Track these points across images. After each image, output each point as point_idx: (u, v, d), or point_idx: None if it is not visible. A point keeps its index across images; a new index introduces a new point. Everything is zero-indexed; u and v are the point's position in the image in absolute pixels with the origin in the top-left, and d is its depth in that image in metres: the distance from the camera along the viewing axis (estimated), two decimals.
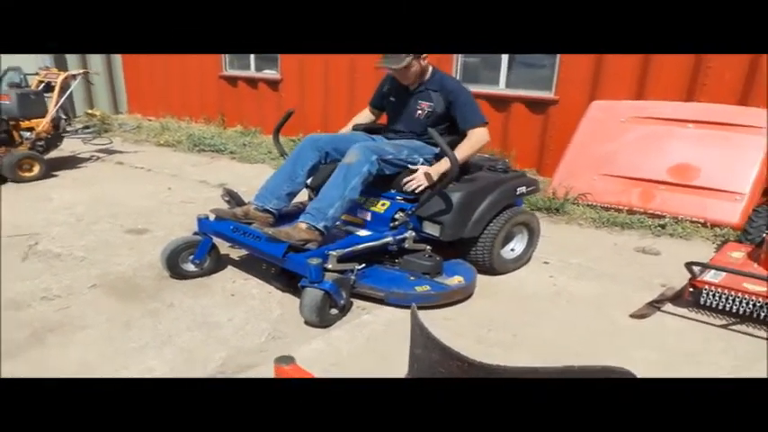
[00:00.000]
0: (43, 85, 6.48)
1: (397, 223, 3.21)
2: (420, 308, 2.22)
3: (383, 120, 3.81)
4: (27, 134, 6.04)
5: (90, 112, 9.33)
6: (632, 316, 3.12)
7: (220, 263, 3.52)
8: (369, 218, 3.35)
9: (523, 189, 3.57)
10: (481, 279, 3.48)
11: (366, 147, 3.11)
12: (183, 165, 6.83)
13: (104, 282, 3.34)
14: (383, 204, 3.32)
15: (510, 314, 3.13)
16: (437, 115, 3.37)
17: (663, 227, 4.62)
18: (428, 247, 3.27)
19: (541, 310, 3.20)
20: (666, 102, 5.21)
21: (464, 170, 3.37)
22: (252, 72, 8.67)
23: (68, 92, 6.62)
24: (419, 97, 3.45)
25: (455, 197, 3.19)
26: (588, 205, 5.09)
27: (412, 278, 3.11)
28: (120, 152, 7.46)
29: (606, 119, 5.37)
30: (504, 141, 6.38)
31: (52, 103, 6.29)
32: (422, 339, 1.42)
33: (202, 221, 3.33)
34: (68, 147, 7.35)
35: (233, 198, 3.41)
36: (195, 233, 3.39)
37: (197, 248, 3.33)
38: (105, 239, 4.09)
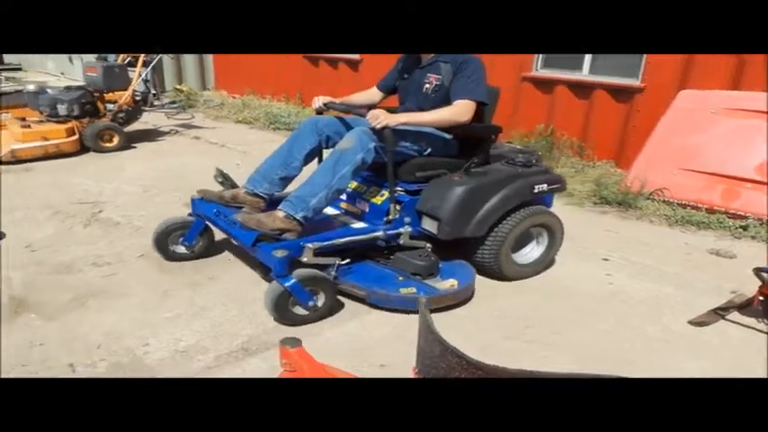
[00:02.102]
0: (128, 59, 6.74)
1: (390, 217, 2.97)
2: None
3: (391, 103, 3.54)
4: (110, 106, 6.36)
5: (178, 87, 9.83)
6: (691, 323, 2.89)
7: (214, 246, 3.44)
8: (366, 209, 3.14)
9: (543, 187, 3.19)
10: None
11: (364, 132, 2.86)
12: (257, 142, 6.96)
13: (153, 252, 3.36)
14: (382, 195, 3.08)
15: (556, 311, 3.01)
16: (446, 89, 3.05)
17: (744, 228, 4.23)
18: (428, 245, 3.03)
19: (591, 310, 3.04)
20: (764, 93, 4.66)
21: (470, 159, 3.13)
22: None
23: (150, 66, 6.92)
24: (428, 70, 3.14)
25: (457, 191, 2.91)
26: (664, 201, 4.74)
27: (400, 278, 2.89)
28: (199, 127, 7.70)
29: (695, 109, 4.89)
30: (585, 130, 6.03)
31: (135, 77, 6.61)
32: (425, 332, 1.41)
33: (195, 202, 3.21)
34: (152, 120, 7.73)
35: (226, 180, 3.28)
36: (189, 214, 3.30)
37: (188, 230, 3.24)
38: (164, 211, 4.15)
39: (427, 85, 3.13)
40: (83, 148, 5.95)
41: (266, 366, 2.41)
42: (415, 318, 2.54)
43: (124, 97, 6.43)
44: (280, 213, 2.75)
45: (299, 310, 2.67)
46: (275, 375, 1.71)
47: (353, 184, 3.23)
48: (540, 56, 6.30)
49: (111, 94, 6.41)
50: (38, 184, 4.91)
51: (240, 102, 8.96)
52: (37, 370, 2.32)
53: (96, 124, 6.06)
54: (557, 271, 3.50)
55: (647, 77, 5.57)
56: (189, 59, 10.41)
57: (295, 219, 2.74)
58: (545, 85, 6.29)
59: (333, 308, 2.79)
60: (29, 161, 5.55)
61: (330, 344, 2.60)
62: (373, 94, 3.52)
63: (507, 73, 6.31)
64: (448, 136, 3.14)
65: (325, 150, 3.16)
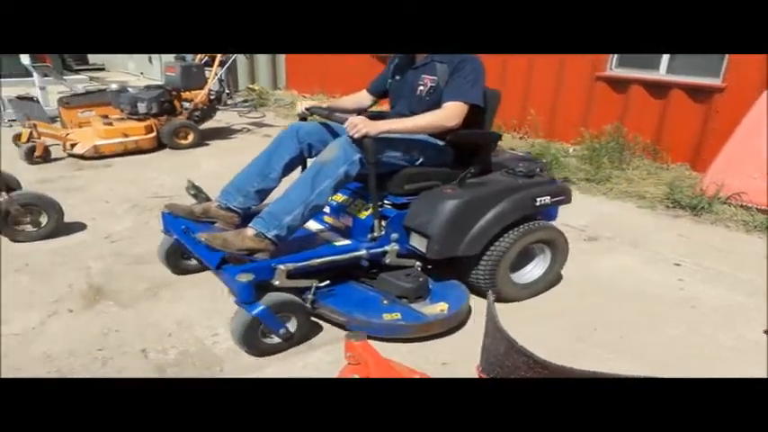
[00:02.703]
0: (205, 59, 7.06)
1: (374, 234, 2.71)
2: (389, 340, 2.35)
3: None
4: (186, 104, 6.68)
5: (251, 86, 10.18)
6: (767, 332, 2.78)
7: None
8: (351, 224, 2.86)
9: (546, 199, 2.90)
10: (599, 274, 3.42)
11: (349, 143, 2.58)
12: None
13: None
14: (368, 209, 2.80)
15: (623, 314, 2.96)
16: (441, 91, 2.77)
17: None
18: (417, 263, 2.78)
19: (660, 314, 2.97)
20: None
21: (467, 168, 2.85)
22: None
23: (226, 66, 7.30)
24: (422, 71, 2.86)
25: (448, 206, 2.64)
26: (742, 206, 4.46)
27: (385, 302, 2.63)
28: (270, 126, 7.92)
29: None
30: (659, 132, 5.75)
31: (211, 76, 6.92)
32: (492, 330, 1.43)
33: (165, 217, 2.93)
34: (225, 118, 8.03)
35: (199, 192, 3.03)
36: (163, 231, 3.06)
37: None
38: None
39: (421, 87, 2.87)
40: (159, 145, 6.26)
41: (329, 359, 2.44)
42: (477, 315, 2.71)
43: (200, 96, 6.72)
44: (249, 231, 2.50)
45: (272, 339, 2.46)
46: (339, 368, 1.81)
47: (339, 197, 2.97)
48: (615, 55, 6.07)
49: (187, 92, 6.70)
50: (117, 179, 5.18)
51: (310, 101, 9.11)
52: (112, 355, 2.45)
53: (173, 122, 6.35)
54: (625, 274, 3.43)
55: (729, 77, 5.26)
56: (262, 59, 10.62)
57: (267, 238, 2.49)
58: (619, 85, 6.05)
59: (308, 334, 2.58)
60: (109, 157, 5.90)
61: (391, 340, 2.56)
62: (363, 97, 3.28)
63: (580, 72, 6.17)
64: (441, 143, 2.88)
65: (309, 160, 2.91)
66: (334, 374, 1.94)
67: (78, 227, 3.93)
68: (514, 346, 1.28)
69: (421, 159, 2.86)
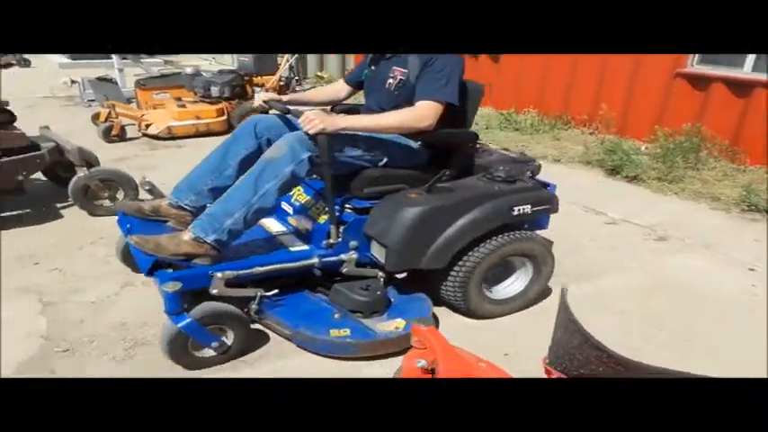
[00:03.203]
0: None
1: (330, 241, 2.50)
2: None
3: None
4: (257, 89, 6.85)
5: (319, 74, 10.43)
6: None
7: None
8: (310, 228, 2.65)
9: (526, 208, 2.62)
10: (667, 274, 3.32)
11: (298, 139, 2.37)
12: None
13: None
14: (328, 212, 2.57)
15: (692, 318, 2.86)
16: (412, 87, 2.54)
17: None
18: (381, 274, 2.56)
19: (729, 319, 2.86)
20: None
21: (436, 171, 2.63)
22: None
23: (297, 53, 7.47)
24: (395, 62, 2.62)
25: (408, 213, 2.40)
26: None
27: (336, 315, 2.43)
28: None
29: None
30: (738, 132, 5.41)
31: (282, 63, 7.20)
32: (564, 322, 1.43)
33: (118, 215, 2.75)
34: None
35: (154, 189, 2.86)
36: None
37: None
38: None
39: (390, 80, 2.63)
40: (230, 128, 6.24)
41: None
42: (541, 307, 2.76)
43: (271, 81, 6.98)
44: (186, 235, 2.30)
45: (206, 352, 2.27)
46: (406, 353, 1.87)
47: (303, 197, 2.76)
48: None
49: (259, 77, 6.99)
50: (188, 160, 5.20)
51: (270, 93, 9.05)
52: None
53: (244, 106, 6.42)
54: (695, 275, 3.31)
55: None
56: None
57: (206, 242, 2.29)
58: (699, 82, 5.69)
59: (246, 347, 2.38)
60: (182, 138, 6.09)
61: (452, 329, 2.53)
62: (339, 88, 3.06)
63: (659, 67, 5.87)
64: (414, 144, 2.65)
65: None
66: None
67: None
68: (589, 340, 1.29)
69: (385, 160, 2.63)
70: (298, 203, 2.76)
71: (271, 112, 2.78)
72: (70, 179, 3.80)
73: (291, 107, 2.59)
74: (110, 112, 5.98)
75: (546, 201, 2.73)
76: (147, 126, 6.06)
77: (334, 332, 2.33)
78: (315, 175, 2.58)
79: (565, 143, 6.32)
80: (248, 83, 6.78)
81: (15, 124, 3.83)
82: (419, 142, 2.66)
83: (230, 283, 2.30)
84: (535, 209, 2.67)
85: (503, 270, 2.78)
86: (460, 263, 2.55)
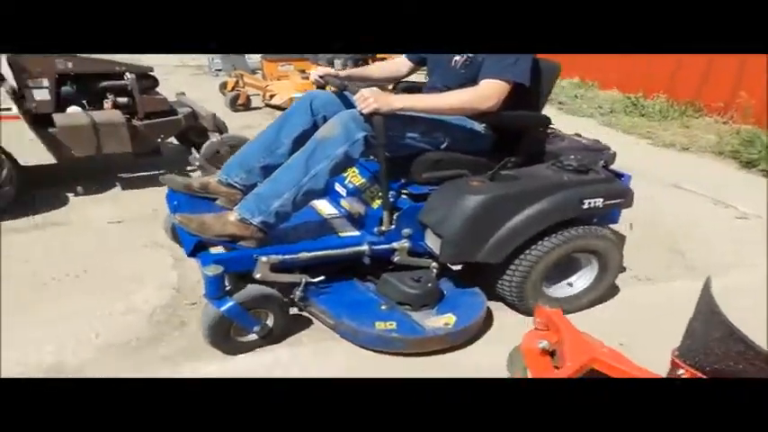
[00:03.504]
0: None
1: (382, 228, 2.35)
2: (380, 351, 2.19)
3: None
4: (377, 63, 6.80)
5: None
6: None
7: None
8: (363, 212, 2.50)
9: (597, 201, 2.39)
10: None
11: (353, 118, 2.22)
12: None
13: None
14: (381, 198, 2.43)
15: None
16: (479, 64, 2.34)
17: None
18: (434, 264, 2.41)
19: None
20: None
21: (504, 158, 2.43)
22: None
23: None
24: None
25: (469, 202, 2.22)
26: None
27: (383, 306, 2.30)
28: None
29: None
30: None
31: None
32: (705, 313, 1.39)
33: (168, 191, 2.64)
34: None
35: (205, 164, 2.79)
36: None
37: None
38: None
39: (457, 57, 2.44)
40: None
41: None
42: (507, 328, 2.43)
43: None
44: (232, 216, 2.20)
45: (246, 337, 2.19)
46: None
47: (357, 179, 2.61)
48: None
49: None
50: None
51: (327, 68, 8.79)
52: None
53: None
54: None
55: None
56: None
57: (251, 224, 2.19)
58: None
59: (289, 330, 2.30)
60: None
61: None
62: (400, 64, 2.85)
63: None
64: (479, 126, 2.46)
65: None
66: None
67: None
68: (734, 334, 1.25)
69: (446, 143, 2.45)
70: (351, 185, 2.62)
71: (327, 87, 2.63)
72: (201, 144, 3.91)
73: (349, 83, 2.43)
74: (237, 82, 6.25)
75: (619, 194, 2.50)
76: (272, 96, 6.17)
77: (379, 325, 2.20)
78: (371, 156, 2.41)
79: (695, 131, 5.98)
80: (372, 59, 6.76)
81: (157, 90, 4.01)
82: (484, 125, 2.47)
83: (275, 268, 2.19)
84: (607, 202, 2.44)
85: (564, 266, 2.57)
86: (521, 258, 2.37)
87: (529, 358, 1.86)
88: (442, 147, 2.44)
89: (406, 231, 2.37)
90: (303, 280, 2.25)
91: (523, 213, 2.29)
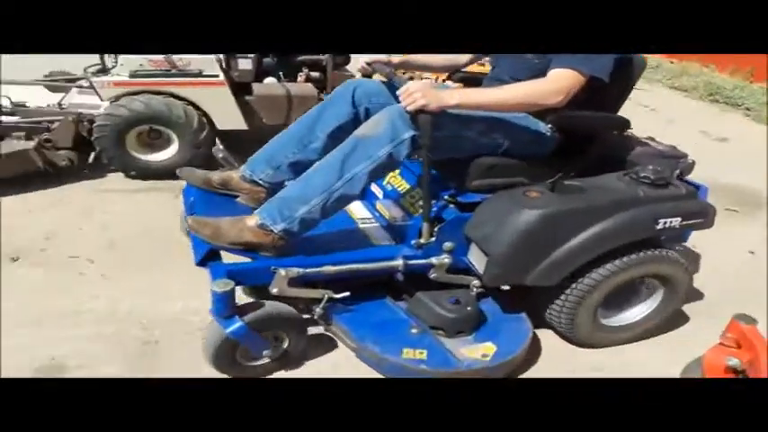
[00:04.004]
0: None
1: (421, 241, 2.06)
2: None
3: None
4: None
5: None
6: None
7: None
8: (399, 220, 2.23)
9: (674, 222, 2.05)
10: None
11: (401, 115, 1.91)
12: (690, 111, 6.33)
13: None
14: (410, 206, 2.17)
15: None
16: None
17: None
18: (476, 283, 2.11)
19: None
20: None
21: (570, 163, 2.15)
22: None
23: None
24: None
25: (523, 217, 1.91)
26: None
27: (414, 330, 2.03)
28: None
29: None
30: None
31: None
32: None
33: (185, 186, 2.42)
34: None
35: (228, 158, 2.47)
36: None
37: None
38: None
39: None
40: None
41: None
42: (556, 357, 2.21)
43: None
44: (251, 221, 1.94)
45: (257, 361, 1.97)
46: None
47: (397, 180, 2.33)
48: None
49: None
50: None
51: (679, 67, 7.98)
52: None
53: None
54: None
55: None
56: None
57: (272, 231, 1.92)
58: None
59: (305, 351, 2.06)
60: None
61: None
62: (454, 56, 2.50)
63: None
64: (544, 127, 2.11)
65: None
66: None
67: None
68: None
69: (505, 145, 2.11)
70: (390, 187, 2.34)
71: (375, 76, 2.32)
72: None
73: (399, 72, 2.07)
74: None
75: (700, 213, 2.14)
76: None
77: (407, 353, 1.92)
78: (417, 156, 2.10)
79: None
80: None
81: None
82: (549, 126, 2.12)
83: (294, 282, 1.93)
84: (685, 222, 2.09)
85: (627, 294, 2.25)
86: (578, 281, 2.05)
87: (711, 375, 1.72)
88: (500, 150, 2.11)
89: (447, 245, 2.06)
90: (325, 296, 1.98)
91: (588, 232, 1.96)
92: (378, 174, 1.99)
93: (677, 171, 2.27)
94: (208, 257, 1.92)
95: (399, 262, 2.03)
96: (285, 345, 1.97)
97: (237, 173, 2.26)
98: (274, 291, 1.90)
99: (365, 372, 1.99)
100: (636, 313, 2.28)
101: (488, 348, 1.98)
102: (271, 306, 1.90)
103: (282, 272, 1.88)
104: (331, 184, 1.92)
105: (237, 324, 1.80)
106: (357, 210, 2.39)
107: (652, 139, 2.54)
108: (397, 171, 2.33)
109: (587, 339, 2.20)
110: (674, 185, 2.12)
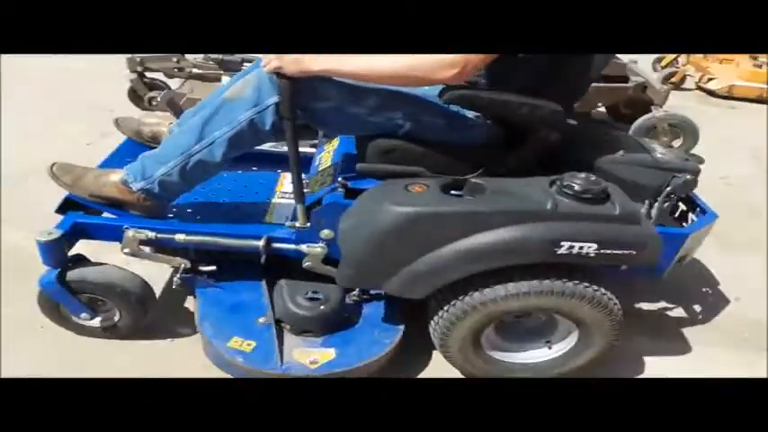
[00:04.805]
0: None
1: (296, 224, 1.84)
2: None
3: None
4: None
5: None
6: None
7: None
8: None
9: (585, 248, 1.60)
10: None
11: (271, 78, 1.69)
12: None
13: None
14: (323, 184, 1.93)
15: None
16: None
17: None
18: None
19: None
20: None
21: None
22: None
23: None
24: None
25: (387, 214, 1.62)
26: None
27: (261, 320, 1.85)
28: None
29: None
30: None
31: None
32: None
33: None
34: None
35: (173, 104, 2.39)
36: None
37: None
38: None
39: None
40: None
41: None
42: None
43: None
44: (116, 176, 1.87)
45: (87, 321, 1.92)
46: None
47: (326, 155, 2.12)
48: None
49: None
50: (738, 125, 4.90)
51: None
52: None
53: None
54: None
55: None
56: None
57: (131, 190, 1.85)
58: None
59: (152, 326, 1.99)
60: (738, 99, 5.52)
61: None
62: None
63: None
64: (470, 113, 1.80)
65: None
66: None
67: None
68: None
69: (407, 127, 1.79)
70: (317, 162, 2.14)
71: None
72: (632, 116, 3.82)
73: None
74: (675, 58, 5.70)
75: (630, 243, 1.65)
76: (709, 80, 5.59)
77: (235, 341, 1.76)
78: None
79: None
80: None
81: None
82: (476, 113, 1.80)
83: (149, 245, 1.86)
84: (604, 252, 1.63)
85: (542, 328, 1.88)
86: (452, 300, 1.72)
87: None
88: (400, 132, 1.81)
89: (325, 233, 1.82)
90: (182, 265, 1.88)
91: (462, 244, 1.62)
92: (240, 142, 1.79)
93: (668, 188, 1.80)
94: (65, 206, 1.90)
95: (261, 243, 1.84)
96: (116, 318, 1.92)
97: (172, 126, 2.20)
98: (125, 251, 1.84)
99: None
100: (537, 355, 1.87)
101: (325, 356, 1.75)
102: (96, 270, 1.85)
103: (131, 232, 1.81)
104: (189, 146, 1.78)
105: (49, 278, 1.77)
106: (286, 183, 2.24)
107: (665, 146, 2.05)
108: (335, 143, 2.13)
109: (464, 368, 1.86)
110: (612, 203, 1.66)
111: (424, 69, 1.57)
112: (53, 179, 1.89)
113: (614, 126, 4.14)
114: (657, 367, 2.07)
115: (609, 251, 1.63)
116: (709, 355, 2.15)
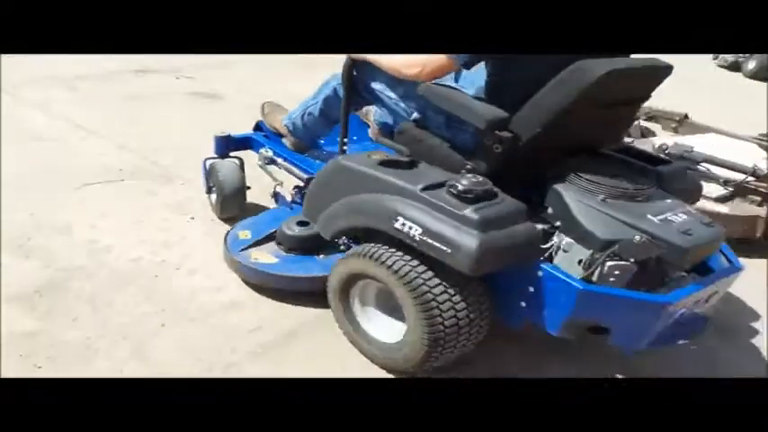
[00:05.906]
0: None
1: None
2: None
3: None
4: None
5: None
6: None
7: None
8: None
9: (413, 230, 1.66)
10: None
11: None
12: None
13: None
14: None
15: None
16: None
17: None
18: None
19: None
20: None
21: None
22: None
23: None
24: None
25: (329, 165, 2.02)
26: None
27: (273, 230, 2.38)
28: None
29: None
30: None
31: None
32: None
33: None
34: None
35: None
36: None
37: None
38: None
39: None
40: None
41: None
42: None
43: None
44: (282, 116, 2.68)
45: None
46: None
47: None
48: None
49: None
50: None
51: None
52: None
53: None
54: None
55: None
56: None
57: (285, 125, 2.63)
58: None
59: None
60: None
61: None
62: None
63: None
64: None
65: None
66: None
67: None
68: None
69: (415, 116, 2.12)
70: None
71: None
72: None
73: None
74: None
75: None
76: None
77: (241, 233, 2.36)
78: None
79: None
80: None
81: None
82: None
83: (269, 161, 2.61)
84: (424, 239, 1.63)
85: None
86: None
87: None
88: (411, 119, 2.13)
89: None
90: (277, 183, 2.62)
91: (351, 197, 1.87)
92: (329, 103, 2.41)
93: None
94: (257, 128, 2.84)
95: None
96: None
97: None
98: (258, 162, 2.63)
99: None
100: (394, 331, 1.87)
101: (268, 259, 2.22)
102: (221, 162, 2.74)
103: (262, 150, 2.61)
104: (307, 102, 2.52)
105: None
106: None
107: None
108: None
109: (340, 325, 2.01)
110: (490, 203, 1.66)
111: (396, 66, 1.96)
112: (260, 111, 2.85)
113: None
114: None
115: (429, 240, 1.62)
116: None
